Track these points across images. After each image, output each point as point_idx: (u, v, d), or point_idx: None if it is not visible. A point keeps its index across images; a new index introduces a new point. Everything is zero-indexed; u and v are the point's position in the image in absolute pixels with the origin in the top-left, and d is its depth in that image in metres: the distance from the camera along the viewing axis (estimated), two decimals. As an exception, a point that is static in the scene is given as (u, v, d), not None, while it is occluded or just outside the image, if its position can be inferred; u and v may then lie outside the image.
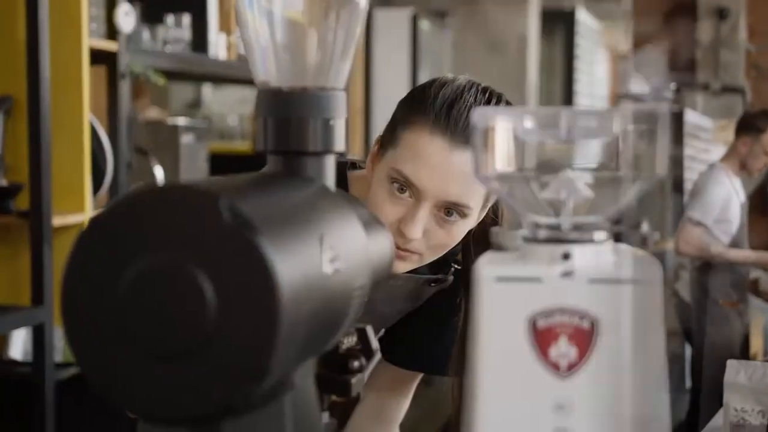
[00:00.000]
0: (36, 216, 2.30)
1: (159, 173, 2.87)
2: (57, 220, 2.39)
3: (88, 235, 0.61)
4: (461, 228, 1.24)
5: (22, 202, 2.37)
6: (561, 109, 0.69)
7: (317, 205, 0.72)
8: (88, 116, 2.48)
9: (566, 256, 0.67)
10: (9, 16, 2.42)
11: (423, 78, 5.57)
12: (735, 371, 1.88)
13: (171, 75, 3.10)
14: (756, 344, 4.38)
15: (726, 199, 4.16)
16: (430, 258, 1.27)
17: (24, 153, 2.36)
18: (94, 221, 0.61)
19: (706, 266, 4.20)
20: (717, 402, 4.37)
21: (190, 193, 0.61)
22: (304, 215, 0.68)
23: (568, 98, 7.26)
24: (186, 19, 2.95)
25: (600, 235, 0.69)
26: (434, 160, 1.20)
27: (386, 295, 1.37)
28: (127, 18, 2.61)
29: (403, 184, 1.21)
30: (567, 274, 0.66)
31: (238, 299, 0.59)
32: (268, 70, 0.81)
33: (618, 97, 9.25)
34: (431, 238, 1.23)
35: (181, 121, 3.14)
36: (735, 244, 4.20)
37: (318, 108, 0.79)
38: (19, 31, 2.37)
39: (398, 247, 1.22)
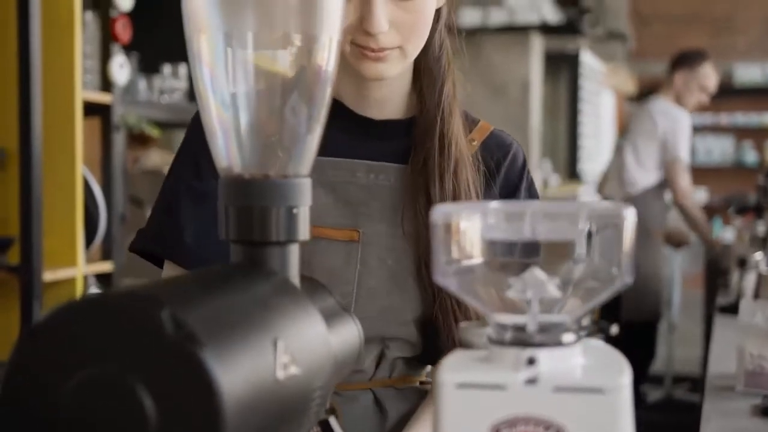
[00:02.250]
0: (26, 271, 2.28)
1: (154, 224, 2.83)
2: (48, 275, 2.36)
3: (29, 343, 0.59)
4: (426, 2, 1.14)
5: (13, 256, 2.35)
6: (526, 206, 0.67)
7: (274, 304, 0.69)
8: (81, 169, 2.47)
9: (531, 361, 0.64)
10: (2, 68, 2.42)
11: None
12: (750, 312, 1.70)
13: (168, 124, 3.09)
14: None
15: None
16: (413, 49, 1.16)
17: (16, 206, 2.35)
18: (35, 329, 0.59)
19: (642, 196, 4.22)
20: (645, 333, 4.28)
21: (132, 302, 0.58)
22: (257, 318, 0.66)
23: (572, 140, 7.25)
24: (182, 68, 2.94)
25: (568, 337, 0.66)
26: None
27: None
28: (121, 70, 2.60)
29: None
30: (531, 381, 0.63)
31: (180, 414, 0.56)
32: (230, 157, 0.79)
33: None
34: (401, 26, 1.13)
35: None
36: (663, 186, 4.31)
37: (281, 196, 0.77)
38: (11, 82, 2.36)
39: (372, 49, 1.13)
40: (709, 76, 4.31)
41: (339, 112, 1.23)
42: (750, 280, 2.88)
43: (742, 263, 3.05)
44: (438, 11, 1.22)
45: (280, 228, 0.76)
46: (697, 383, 4.89)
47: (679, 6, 9.97)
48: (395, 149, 1.23)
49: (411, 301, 1.19)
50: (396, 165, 1.22)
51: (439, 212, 0.66)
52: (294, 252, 0.77)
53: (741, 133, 9.92)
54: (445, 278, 0.67)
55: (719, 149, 9.98)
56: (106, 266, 2.63)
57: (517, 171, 1.26)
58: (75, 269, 2.47)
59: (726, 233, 5.27)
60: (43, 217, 2.36)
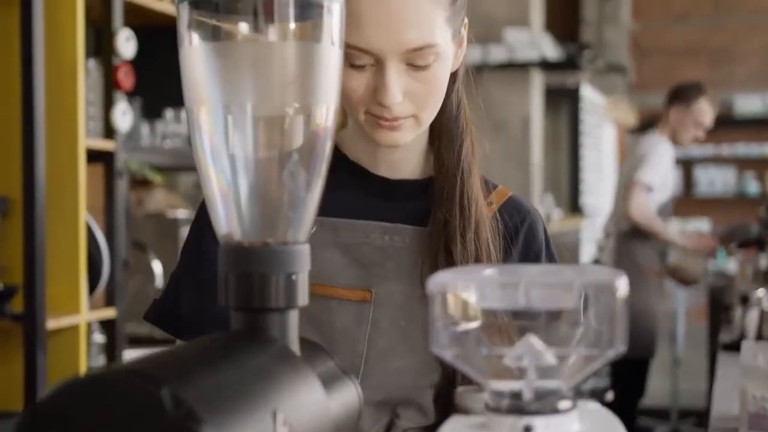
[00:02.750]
0: (30, 320, 2.28)
1: (157, 268, 2.86)
2: (52, 323, 2.37)
3: (31, 422, 0.60)
4: (440, 71, 1.13)
5: (17, 304, 2.35)
6: (521, 275, 0.68)
7: (273, 373, 0.70)
8: (84, 216, 2.48)
9: (528, 430, 0.65)
10: (5, 116, 2.44)
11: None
12: (752, 354, 1.70)
13: (171, 168, 3.11)
14: None
15: (668, 166, 4.27)
16: (427, 117, 1.15)
17: (19, 254, 2.36)
18: (37, 408, 0.60)
19: (633, 232, 4.19)
20: (636, 369, 4.26)
21: (131, 380, 0.59)
22: (256, 389, 0.66)
23: (574, 173, 7.27)
24: (184, 113, 2.96)
25: (564, 404, 0.66)
26: (371, 14, 1.07)
27: None
28: (124, 117, 2.63)
29: (356, 57, 1.09)
30: (528, 450, 0.64)
31: (181, 492, 0.57)
32: (230, 224, 0.80)
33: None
34: (415, 96, 1.12)
35: (181, 213, 3.14)
36: (661, 213, 4.26)
37: (280, 263, 0.78)
38: (15, 130, 2.38)
39: (386, 119, 1.12)
40: (704, 112, 4.29)
41: (355, 172, 1.24)
42: (753, 318, 2.87)
43: (745, 300, 3.04)
44: (454, 74, 1.21)
45: (280, 295, 0.77)
46: (702, 417, 4.87)
47: (678, 38, 10.03)
48: (411, 210, 1.22)
49: (425, 364, 1.17)
50: (412, 227, 1.20)
51: (435, 282, 0.67)
52: (293, 317, 0.78)
53: (743, 163, 9.94)
54: (441, 347, 0.68)
55: (721, 180, 9.99)
56: (109, 312, 2.64)
57: (538, 238, 1.25)
58: (78, 316, 2.47)
59: (729, 264, 5.26)
60: (46, 265, 2.37)
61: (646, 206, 4.13)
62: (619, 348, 0.66)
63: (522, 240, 1.24)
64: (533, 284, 0.66)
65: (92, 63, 2.63)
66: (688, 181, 10.04)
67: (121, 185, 2.63)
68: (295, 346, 0.77)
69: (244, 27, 0.90)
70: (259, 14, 0.79)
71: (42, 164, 2.35)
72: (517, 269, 0.72)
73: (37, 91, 2.34)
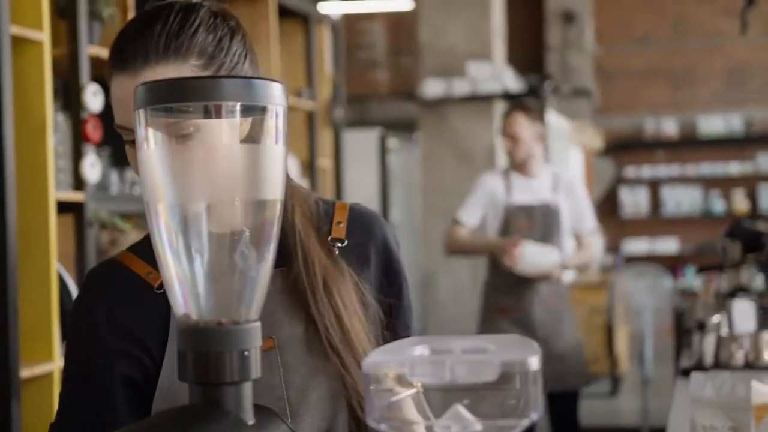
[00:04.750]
0: (3, 370, 2.34)
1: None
2: (25, 372, 2.43)
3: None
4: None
5: (-10, 354, 2.41)
6: (446, 354, 0.76)
7: (227, 447, 0.78)
8: (55, 266, 2.54)
9: (455, 492, 0.73)
10: (-23, 171, 2.50)
11: (393, 192, 5.69)
12: (701, 384, 1.76)
13: (141, 215, 3.18)
14: None
15: (482, 193, 4.04)
16: None
17: (-8, 305, 2.41)
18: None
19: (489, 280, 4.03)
20: (565, 402, 4.17)
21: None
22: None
23: (541, 198, 7.36)
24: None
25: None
26: (124, 98, 1.14)
27: None
28: (93, 169, 2.70)
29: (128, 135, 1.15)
30: None
31: None
32: (186, 305, 0.87)
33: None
34: None
35: (151, 257, 3.18)
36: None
37: (234, 341, 0.86)
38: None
39: None
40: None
41: None
42: (710, 344, 2.95)
43: (701, 326, 3.13)
44: None
45: (234, 370, 0.85)
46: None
47: (641, 61, 10.21)
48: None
49: (338, 388, 1.24)
50: (279, 270, 1.25)
51: (369, 362, 0.75)
52: (247, 389, 0.86)
53: (708, 182, 10.12)
54: (377, 420, 0.76)
55: (688, 199, 10.16)
56: (82, 357, 2.69)
57: (391, 248, 1.33)
58: (52, 364, 2.53)
59: (696, 282, 5.36)
60: (19, 314, 2.43)
61: (449, 234, 4.01)
62: (534, 416, 0.74)
63: (373, 250, 1.31)
64: (457, 362, 0.75)
65: (61, 117, 2.70)
66: (655, 200, 10.21)
67: (91, 235, 2.70)
68: (248, 415, 0.85)
69: (195, 131, 0.98)
70: (210, 114, 0.87)
71: (13, 216, 2.41)
72: (443, 345, 0.80)
73: (7, 145, 2.41)
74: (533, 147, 3.94)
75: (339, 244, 1.28)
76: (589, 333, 6.94)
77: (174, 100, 0.86)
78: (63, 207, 2.64)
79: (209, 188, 0.86)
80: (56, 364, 2.53)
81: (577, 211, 4.00)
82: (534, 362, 0.73)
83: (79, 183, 2.69)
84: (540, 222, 3.96)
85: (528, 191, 3.96)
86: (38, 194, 2.52)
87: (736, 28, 4.99)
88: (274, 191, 0.87)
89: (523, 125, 3.90)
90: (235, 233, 0.87)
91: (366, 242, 1.31)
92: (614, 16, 10.11)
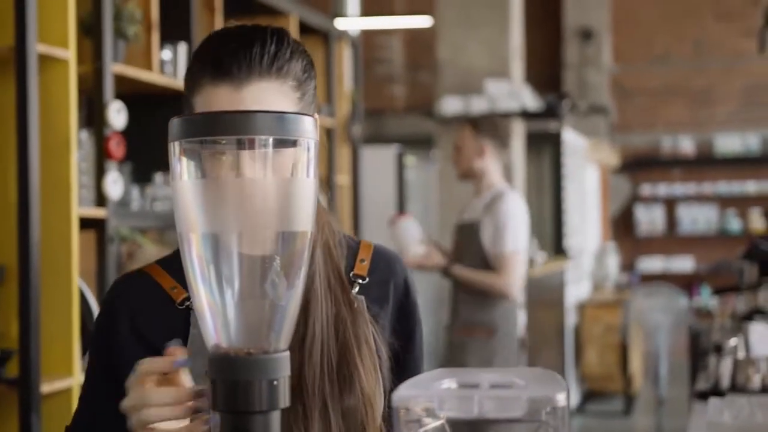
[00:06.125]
0: (24, 385, 2.36)
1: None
2: (45, 387, 2.45)
3: None
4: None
5: (12, 368, 2.43)
6: (474, 389, 0.77)
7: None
8: (77, 282, 2.57)
9: None
10: (1, 186, 2.53)
11: (410, 209, 5.70)
12: (719, 410, 1.75)
13: (161, 230, 3.21)
14: None
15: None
16: None
17: (15, 319, 2.44)
18: None
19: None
20: None
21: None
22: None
23: (557, 216, 7.37)
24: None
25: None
26: (222, 106, 1.14)
27: None
28: (115, 185, 2.72)
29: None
30: None
31: None
32: (218, 335, 0.89)
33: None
34: None
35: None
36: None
37: (263, 371, 0.87)
38: (11, 200, 2.47)
39: None
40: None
41: None
42: (726, 367, 2.94)
43: (718, 349, 3.12)
44: None
45: (263, 399, 0.87)
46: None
47: (659, 79, 10.20)
48: None
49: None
50: None
51: (398, 397, 0.77)
52: (276, 418, 0.88)
53: (724, 201, 10.08)
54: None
55: (704, 218, 10.12)
56: (101, 372, 2.71)
57: (405, 286, 1.33)
58: (72, 379, 2.55)
59: (712, 301, 5.33)
60: (41, 330, 2.45)
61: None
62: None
63: (392, 294, 1.31)
64: (486, 396, 0.76)
65: (84, 134, 2.72)
66: (671, 219, 10.18)
67: (112, 251, 2.72)
68: (277, 446, 0.86)
69: (228, 163, 0.99)
70: (244, 147, 0.89)
71: (37, 232, 2.44)
72: (470, 378, 0.81)
73: (32, 161, 2.44)
74: (473, 160, 3.91)
75: (360, 281, 1.28)
76: (604, 351, 6.93)
77: (208, 133, 0.88)
78: (85, 223, 2.67)
79: (241, 219, 0.88)
80: (76, 379, 2.55)
81: (495, 232, 3.85)
82: (561, 398, 0.75)
83: (101, 199, 2.72)
84: (462, 240, 3.97)
85: (471, 210, 3.99)
86: (61, 210, 2.55)
87: (755, 47, 4.97)
88: (305, 223, 0.89)
89: (466, 138, 3.92)
90: (266, 263, 0.89)
91: (387, 280, 1.31)
92: (632, 34, 10.11)
